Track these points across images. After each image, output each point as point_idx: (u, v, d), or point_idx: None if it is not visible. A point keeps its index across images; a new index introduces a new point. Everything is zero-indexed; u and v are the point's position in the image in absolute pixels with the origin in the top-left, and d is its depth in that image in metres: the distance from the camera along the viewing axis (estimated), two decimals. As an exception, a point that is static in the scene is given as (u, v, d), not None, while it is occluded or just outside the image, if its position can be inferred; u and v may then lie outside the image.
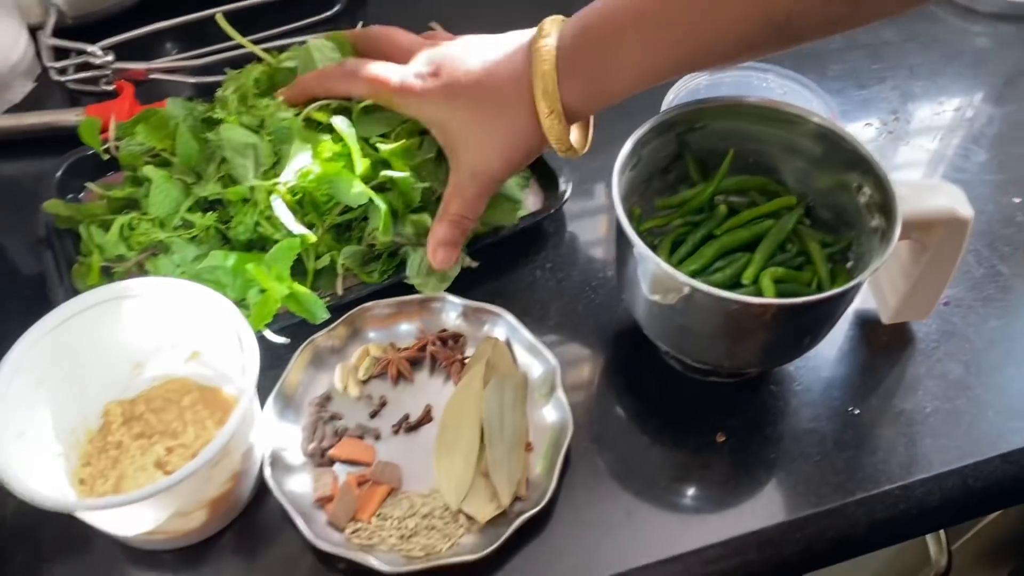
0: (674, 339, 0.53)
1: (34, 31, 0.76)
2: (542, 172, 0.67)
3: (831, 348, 0.59)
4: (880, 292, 0.60)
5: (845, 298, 0.49)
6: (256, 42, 0.77)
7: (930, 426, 0.55)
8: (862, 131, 0.74)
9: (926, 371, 0.57)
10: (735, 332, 0.49)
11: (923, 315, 0.58)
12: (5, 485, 0.43)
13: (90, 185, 0.63)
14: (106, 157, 0.64)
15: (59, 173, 0.65)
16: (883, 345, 0.59)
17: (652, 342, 0.56)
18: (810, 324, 0.50)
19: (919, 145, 0.74)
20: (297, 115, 0.58)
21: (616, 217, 0.50)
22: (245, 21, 0.80)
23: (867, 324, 0.61)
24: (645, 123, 0.54)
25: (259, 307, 0.54)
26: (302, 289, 0.55)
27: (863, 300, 0.61)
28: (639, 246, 0.48)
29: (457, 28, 0.77)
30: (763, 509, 0.51)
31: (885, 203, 0.50)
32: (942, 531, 0.60)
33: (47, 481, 0.48)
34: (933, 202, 0.51)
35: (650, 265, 0.48)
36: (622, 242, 0.51)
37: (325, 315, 0.56)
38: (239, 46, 0.78)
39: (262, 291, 0.55)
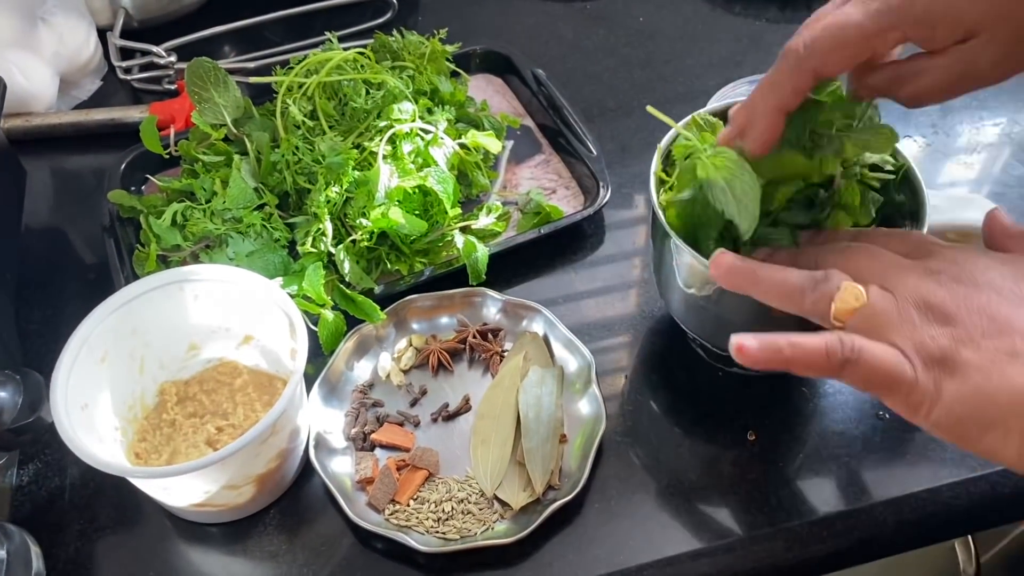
0: (709, 331, 0.55)
1: (103, 32, 0.80)
2: (582, 175, 0.69)
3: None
4: None
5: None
6: (311, 46, 0.81)
7: (960, 432, 0.55)
8: (902, 145, 0.75)
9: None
10: (768, 322, 0.50)
11: None
12: (74, 451, 0.45)
13: (151, 177, 0.67)
14: (167, 157, 0.68)
15: (123, 166, 0.68)
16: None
17: (686, 342, 0.58)
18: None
19: (960, 160, 0.74)
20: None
21: (652, 208, 0.51)
22: (301, 26, 0.83)
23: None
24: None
25: (325, 332, 0.58)
26: (360, 297, 0.59)
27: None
28: (674, 237, 0.49)
29: (503, 38, 0.80)
30: (791, 507, 0.52)
31: (916, 210, 0.51)
32: (971, 541, 0.60)
33: (107, 452, 0.51)
34: (965, 215, 0.52)
35: (685, 257, 0.49)
36: (657, 234, 0.52)
37: (382, 317, 0.59)
38: (292, 50, 0.82)
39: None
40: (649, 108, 0.50)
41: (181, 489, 0.49)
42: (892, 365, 0.37)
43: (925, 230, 0.49)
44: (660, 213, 0.50)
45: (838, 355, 0.38)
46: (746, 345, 0.40)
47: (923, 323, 0.37)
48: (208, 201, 0.62)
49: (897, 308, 0.38)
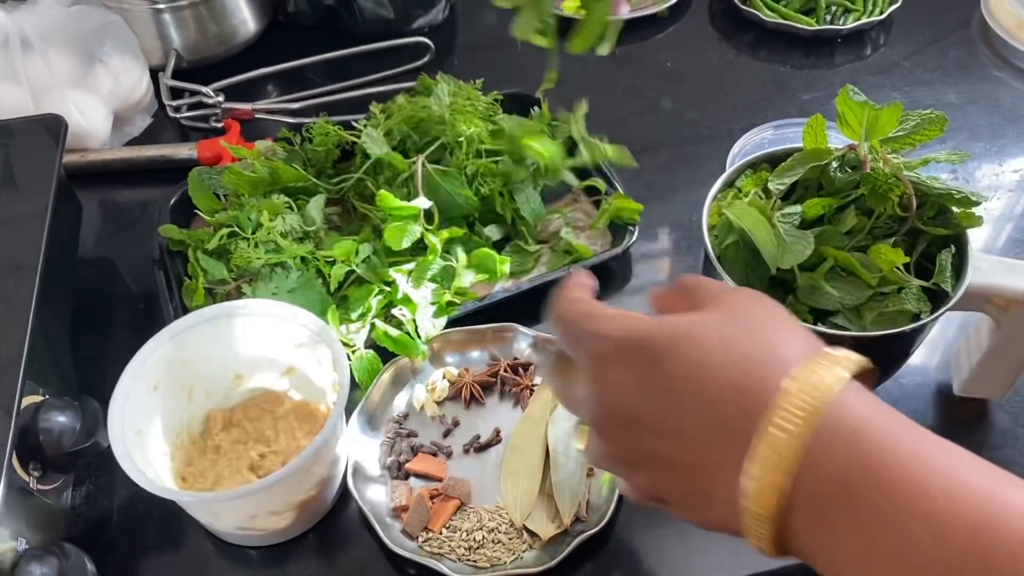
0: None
1: (155, 72, 0.84)
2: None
3: (901, 408, 0.61)
4: (957, 363, 0.61)
5: (886, 344, 0.50)
6: (351, 88, 0.85)
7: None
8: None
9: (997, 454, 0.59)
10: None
11: (997, 393, 0.60)
12: (131, 476, 0.48)
13: (200, 212, 0.70)
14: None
15: (173, 200, 0.71)
16: (957, 418, 0.61)
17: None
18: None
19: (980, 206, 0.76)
20: None
21: (704, 248, 0.54)
22: (341, 68, 0.87)
23: (943, 395, 0.62)
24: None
25: (359, 370, 0.61)
26: (403, 336, 0.61)
27: (943, 370, 0.63)
28: (724, 276, 0.52)
29: (535, 80, 0.82)
30: (811, 543, 0.54)
31: (960, 265, 0.52)
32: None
33: (157, 476, 0.53)
34: (1009, 281, 0.51)
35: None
36: (708, 271, 0.54)
37: (424, 354, 0.62)
38: (332, 91, 0.85)
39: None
40: None
41: (227, 513, 0.52)
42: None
43: (961, 290, 0.50)
44: (712, 253, 0.53)
45: None
46: None
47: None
48: (254, 232, 0.65)
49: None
